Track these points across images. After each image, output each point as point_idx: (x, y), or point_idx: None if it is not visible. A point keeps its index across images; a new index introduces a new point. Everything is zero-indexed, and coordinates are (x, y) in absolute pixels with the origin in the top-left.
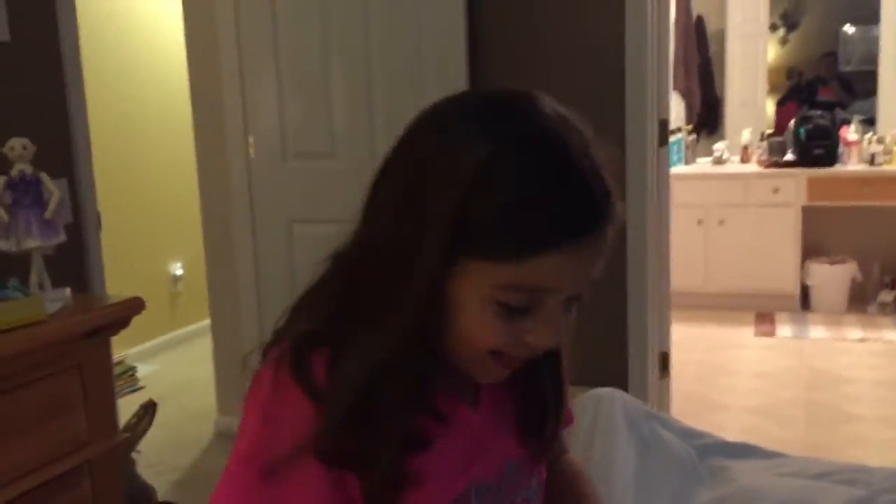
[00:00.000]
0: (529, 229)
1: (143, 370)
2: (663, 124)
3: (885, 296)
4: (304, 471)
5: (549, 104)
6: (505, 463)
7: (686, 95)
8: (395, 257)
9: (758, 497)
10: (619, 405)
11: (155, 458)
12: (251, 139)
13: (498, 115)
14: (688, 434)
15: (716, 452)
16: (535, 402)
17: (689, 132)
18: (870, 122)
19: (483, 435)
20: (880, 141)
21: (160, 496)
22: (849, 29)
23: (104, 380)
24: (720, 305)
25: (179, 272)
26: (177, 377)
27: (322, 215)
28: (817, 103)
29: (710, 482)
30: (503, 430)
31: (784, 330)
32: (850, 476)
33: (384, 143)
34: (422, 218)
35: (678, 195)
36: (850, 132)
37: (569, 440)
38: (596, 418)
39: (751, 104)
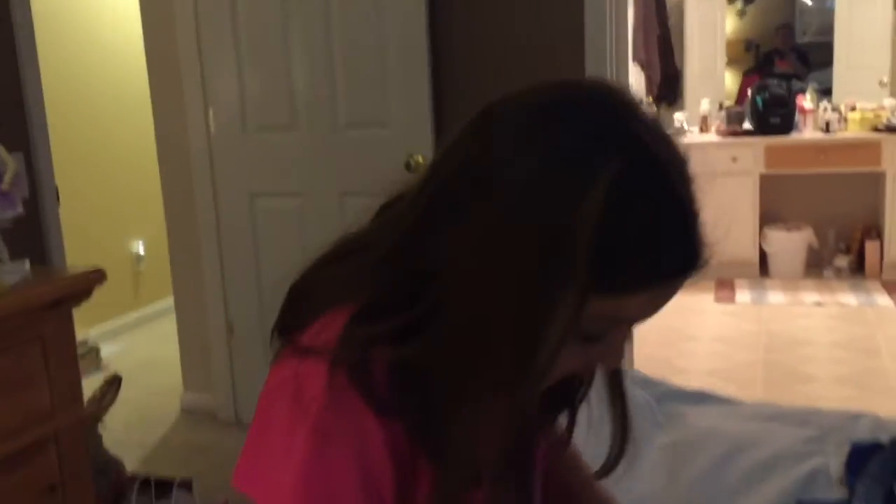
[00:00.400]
0: (640, 267)
1: (106, 350)
2: None
3: (840, 261)
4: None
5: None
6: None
7: (646, 67)
8: (526, 296)
9: (712, 438)
10: None
11: (121, 436)
12: (211, 112)
13: (610, 122)
14: (647, 383)
15: (673, 399)
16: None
17: (649, 103)
18: (825, 93)
19: None
20: (835, 109)
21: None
22: (805, 0)
23: (67, 352)
24: None
25: (141, 251)
26: (141, 356)
27: (285, 188)
28: (774, 75)
29: (667, 427)
30: None
31: (743, 295)
32: (803, 418)
33: (346, 115)
34: (557, 246)
35: None
36: (806, 101)
37: None
38: None
39: (710, 76)
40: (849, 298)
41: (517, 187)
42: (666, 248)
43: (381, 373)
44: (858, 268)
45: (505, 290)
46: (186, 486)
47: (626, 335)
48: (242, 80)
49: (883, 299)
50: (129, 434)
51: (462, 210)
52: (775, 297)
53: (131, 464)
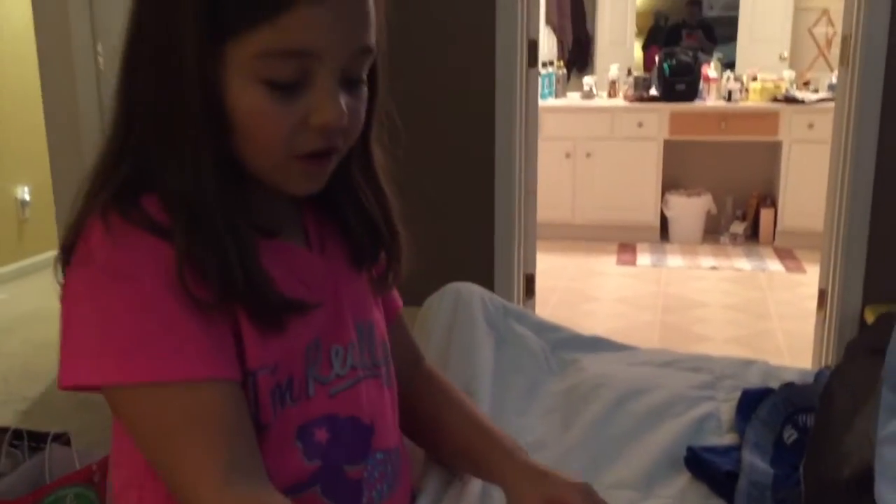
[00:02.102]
0: None
1: None
2: (532, 45)
3: (737, 227)
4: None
5: None
6: (355, 323)
7: (558, 32)
8: (161, 71)
9: (605, 383)
10: (476, 299)
11: (1, 388)
12: (100, 47)
13: None
14: (542, 328)
15: (568, 346)
16: (362, 226)
17: (560, 68)
18: (730, 66)
19: (322, 280)
20: (737, 79)
21: (7, 425)
22: None
23: None
24: (586, 237)
25: (27, 197)
26: (24, 308)
27: None
28: (681, 48)
29: (560, 373)
30: (344, 281)
31: (644, 259)
32: (695, 364)
33: None
34: (171, 9)
35: (548, 128)
36: (710, 70)
37: (424, 350)
38: (455, 311)
39: (620, 43)
40: (743, 263)
41: None
42: None
43: (152, 206)
44: (753, 234)
45: (149, 59)
46: (63, 439)
47: (331, 83)
48: None
49: (775, 265)
50: (8, 387)
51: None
52: (674, 260)
53: (13, 417)
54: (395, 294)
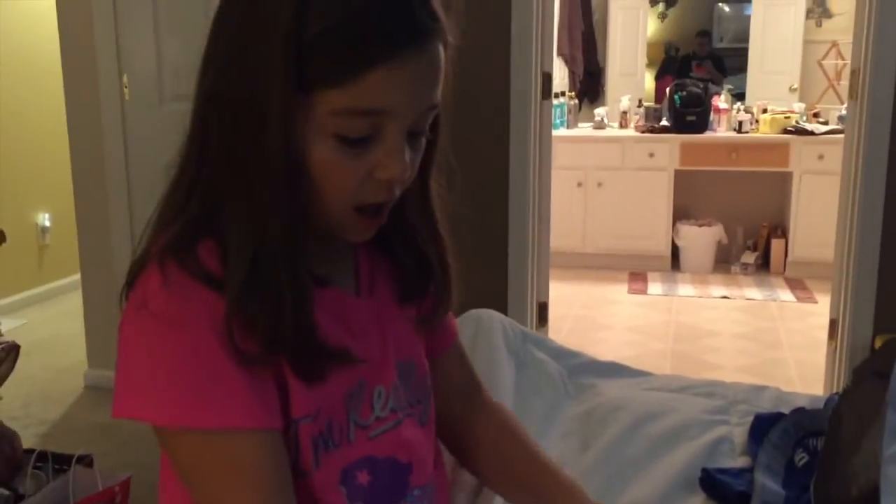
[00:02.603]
0: (354, 47)
1: (7, 325)
2: (546, 77)
3: (747, 257)
4: (226, 379)
5: None
6: (397, 362)
7: (570, 63)
8: (243, 118)
9: (622, 408)
10: (497, 325)
11: (20, 412)
12: (125, 79)
13: None
14: (560, 353)
15: (586, 371)
16: (414, 265)
17: (572, 98)
18: (739, 97)
19: (370, 326)
20: (748, 110)
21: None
22: (724, 7)
23: None
24: (597, 265)
25: (47, 223)
26: (44, 332)
27: None
28: (692, 79)
29: (578, 397)
30: (389, 322)
31: (655, 288)
32: (709, 390)
33: None
34: (259, 61)
35: (560, 158)
36: (721, 101)
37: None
38: (476, 337)
39: (630, 74)
40: (754, 293)
41: (240, 9)
42: (374, 27)
43: (208, 254)
44: (764, 264)
45: (229, 106)
46: (86, 461)
47: (398, 138)
48: (160, 47)
49: (785, 294)
50: (28, 410)
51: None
52: (685, 289)
53: (30, 440)
54: (451, 322)
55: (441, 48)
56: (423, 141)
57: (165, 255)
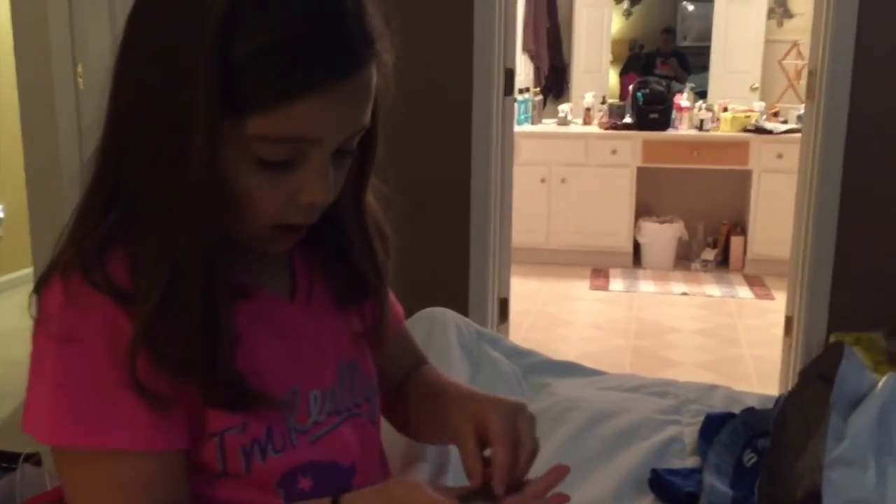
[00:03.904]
0: (282, 75)
1: None
2: (509, 73)
3: (707, 254)
4: (122, 404)
5: None
6: (338, 362)
7: (535, 59)
8: (166, 137)
9: (575, 407)
10: (451, 323)
11: None
12: (80, 68)
13: None
14: (515, 352)
15: (540, 370)
16: (349, 269)
17: (536, 94)
18: (702, 96)
19: (304, 329)
20: (709, 109)
21: None
22: (688, 5)
23: None
24: (559, 261)
25: (1, 215)
26: None
27: None
28: (656, 76)
29: (532, 397)
30: (327, 324)
31: (616, 284)
32: (662, 389)
33: None
34: (182, 76)
35: (524, 154)
36: (683, 99)
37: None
38: (430, 336)
39: (595, 71)
40: (713, 290)
41: (159, 18)
42: (305, 55)
43: (117, 264)
44: (724, 261)
45: (152, 122)
46: (34, 459)
47: (323, 164)
48: (116, 37)
49: (744, 291)
50: None
51: (124, 67)
52: (646, 286)
53: None
54: (395, 309)
55: (374, 70)
56: (349, 160)
57: (71, 266)
